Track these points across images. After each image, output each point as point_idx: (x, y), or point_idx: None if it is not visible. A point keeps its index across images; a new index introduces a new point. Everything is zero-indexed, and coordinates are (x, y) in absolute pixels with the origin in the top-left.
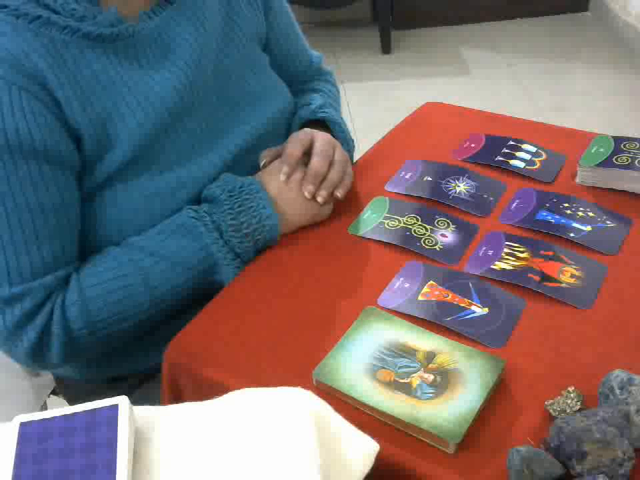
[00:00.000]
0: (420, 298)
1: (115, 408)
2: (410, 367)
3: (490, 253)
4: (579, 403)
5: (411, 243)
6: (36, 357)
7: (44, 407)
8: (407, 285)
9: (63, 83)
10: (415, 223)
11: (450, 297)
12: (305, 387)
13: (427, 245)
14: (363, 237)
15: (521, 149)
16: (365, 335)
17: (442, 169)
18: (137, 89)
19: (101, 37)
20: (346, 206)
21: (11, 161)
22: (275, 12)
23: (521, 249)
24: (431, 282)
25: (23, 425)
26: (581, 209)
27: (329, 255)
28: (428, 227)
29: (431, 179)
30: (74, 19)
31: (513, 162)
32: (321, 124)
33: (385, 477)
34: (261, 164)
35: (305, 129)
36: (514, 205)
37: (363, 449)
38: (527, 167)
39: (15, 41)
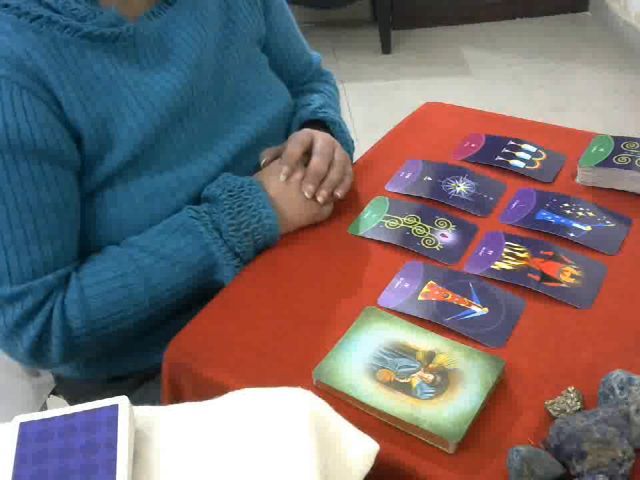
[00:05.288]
0: (420, 298)
1: (114, 408)
2: (410, 366)
3: (490, 252)
4: (578, 403)
5: (410, 242)
6: (36, 356)
7: (44, 407)
8: (407, 285)
9: (64, 82)
10: (414, 223)
11: (450, 296)
12: (305, 386)
13: (427, 245)
14: (363, 237)
15: (521, 149)
16: (365, 335)
17: (442, 169)
18: (137, 89)
19: (102, 37)
20: (346, 206)
21: (12, 160)
22: (275, 13)
23: (521, 249)
24: (431, 282)
25: (23, 424)
26: (581, 208)
27: (329, 255)
28: (428, 226)
29: (431, 179)
30: (75, 18)
31: (513, 162)
32: (321, 124)
33: (385, 476)
34: (261, 163)
35: (305, 129)
36: (514, 204)
37: (363, 449)
38: (526, 167)
39: (16, 40)
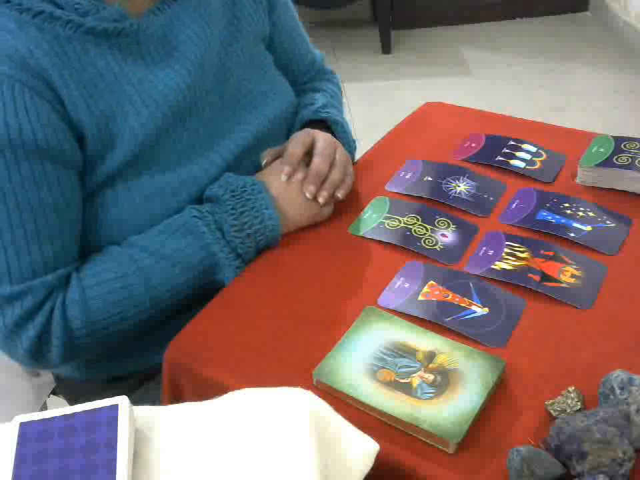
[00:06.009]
0: (420, 298)
1: (114, 408)
2: (410, 366)
3: (490, 252)
4: (579, 403)
5: (411, 242)
6: (35, 356)
7: (44, 407)
8: (407, 285)
9: (67, 81)
10: (415, 223)
11: (450, 296)
12: (305, 386)
13: (427, 245)
14: (364, 237)
15: (521, 149)
16: (365, 335)
17: (442, 169)
18: (141, 86)
19: (105, 33)
20: (346, 206)
21: (14, 159)
22: (279, 11)
23: (522, 249)
24: (431, 282)
25: (23, 424)
26: (581, 208)
27: (329, 255)
28: (428, 226)
29: (431, 179)
30: (77, 13)
31: (513, 162)
32: (323, 124)
33: (385, 476)
34: (262, 163)
35: (307, 129)
36: (514, 204)
37: (363, 449)
38: (527, 167)
39: (19, 38)
